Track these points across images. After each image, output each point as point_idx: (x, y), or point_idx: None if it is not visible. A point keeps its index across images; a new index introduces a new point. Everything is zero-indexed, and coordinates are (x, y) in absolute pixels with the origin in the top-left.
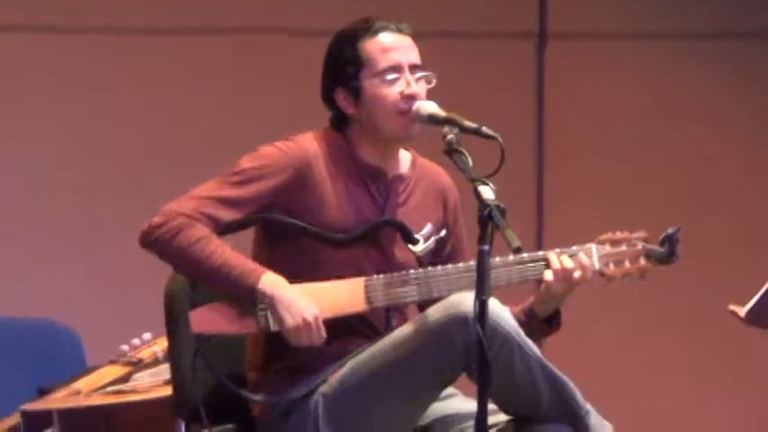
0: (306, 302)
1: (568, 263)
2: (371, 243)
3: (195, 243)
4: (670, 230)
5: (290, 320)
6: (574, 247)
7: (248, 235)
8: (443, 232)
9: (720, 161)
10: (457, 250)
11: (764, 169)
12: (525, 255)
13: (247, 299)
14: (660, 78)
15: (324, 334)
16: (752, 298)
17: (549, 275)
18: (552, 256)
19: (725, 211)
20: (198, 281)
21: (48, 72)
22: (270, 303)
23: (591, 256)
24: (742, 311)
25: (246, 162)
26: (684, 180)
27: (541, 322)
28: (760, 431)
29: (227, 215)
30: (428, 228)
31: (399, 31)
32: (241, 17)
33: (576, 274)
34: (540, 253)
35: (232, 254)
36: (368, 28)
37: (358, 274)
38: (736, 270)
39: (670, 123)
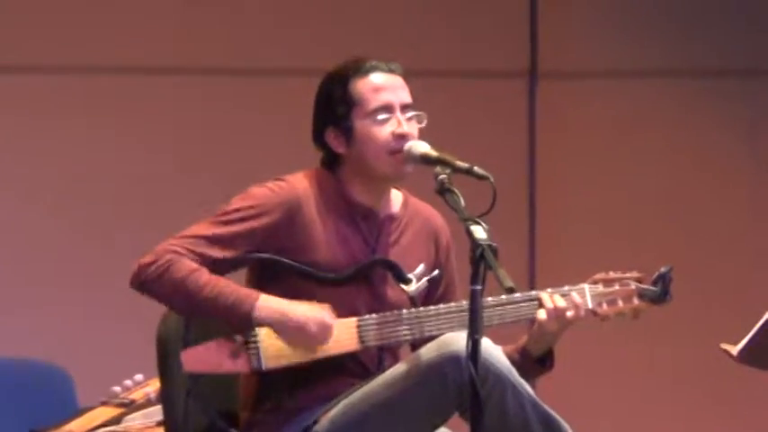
0: (303, 311)
1: (561, 302)
2: (363, 283)
3: (187, 276)
4: (663, 269)
5: (298, 339)
6: (566, 287)
7: (240, 274)
8: (436, 272)
9: (712, 198)
10: (449, 291)
11: (757, 206)
12: (518, 294)
13: (245, 327)
14: (652, 116)
15: (333, 328)
16: (744, 336)
17: (542, 314)
18: (545, 295)
19: (718, 247)
20: (193, 314)
21: (46, 109)
22: (270, 326)
23: (584, 295)
24: (734, 350)
25: (237, 202)
26: (677, 217)
27: (535, 362)
28: None
29: (217, 254)
30: (421, 267)
31: (391, 71)
32: (234, 58)
33: (569, 314)
34: (533, 293)
35: (226, 283)
36: (359, 68)
37: (350, 314)
38: (730, 307)
39: (661, 161)
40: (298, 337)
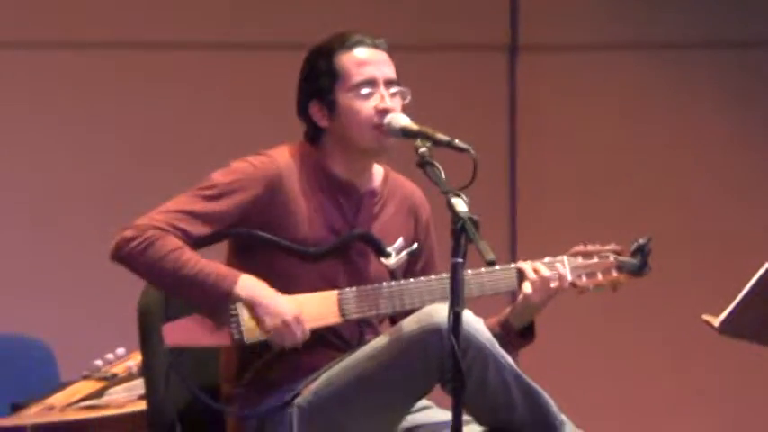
0: (284, 302)
1: (546, 272)
2: (343, 257)
3: (168, 254)
4: (641, 241)
5: (269, 322)
6: (546, 259)
7: (221, 248)
8: (415, 245)
9: (692, 169)
10: (429, 265)
11: (738, 175)
12: (498, 267)
13: (224, 306)
14: (631, 88)
15: (307, 330)
16: (725, 306)
17: (527, 287)
18: (526, 267)
19: (698, 219)
20: (172, 293)
21: (22, 87)
22: (248, 306)
23: (564, 267)
24: (716, 321)
25: (218, 176)
26: (657, 189)
27: (517, 334)
28: None
29: (199, 229)
30: (400, 241)
31: (375, 46)
32: (216, 32)
33: (553, 284)
34: (513, 265)
35: (206, 262)
36: (344, 42)
37: (330, 288)
38: (709, 276)
39: (641, 133)
40: (270, 324)
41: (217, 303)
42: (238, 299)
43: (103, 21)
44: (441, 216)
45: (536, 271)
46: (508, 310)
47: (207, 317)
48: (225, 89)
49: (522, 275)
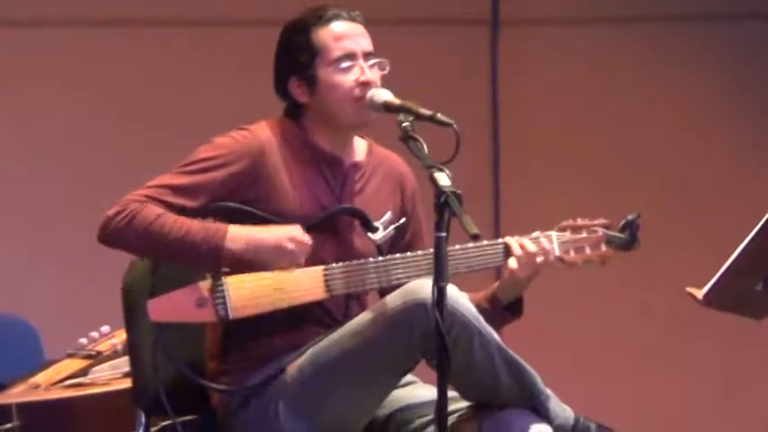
0: (273, 234)
1: (531, 247)
2: (329, 231)
3: (154, 221)
4: (630, 216)
5: (274, 260)
6: (534, 234)
7: None
8: (403, 220)
9: (677, 143)
10: (417, 237)
11: (725, 150)
12: (485, 242)
13: (217, 263)
14: (614, 63)
15: (309, 241)
16: (708, 281)
17: (512, 263)
18: (513, 242)
19: (683, 195)
20: (164, 259)
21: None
22: (246, 255)
23: (551, 242)
24: (700, 294)
25: (201, 152)
26: (641, 163)
27: (505, 309)
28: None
29: (183, 203)
30: (388, 215)
31: (352, 18)
32: (191, 8)
33: (539, 259)
34: (500, 240)
35: (192, 222)
36: (320, 16)
37: (316, 263)
38: (692, 255)
39: (625, 107)
40: (275, 258)
41: (210, 261)
42: (232, 252)
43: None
44: (424, 190)
45: (522, 246)
46: (495, 285)
47: (194, 290)
48: (209, 65)
49: (508, 251)
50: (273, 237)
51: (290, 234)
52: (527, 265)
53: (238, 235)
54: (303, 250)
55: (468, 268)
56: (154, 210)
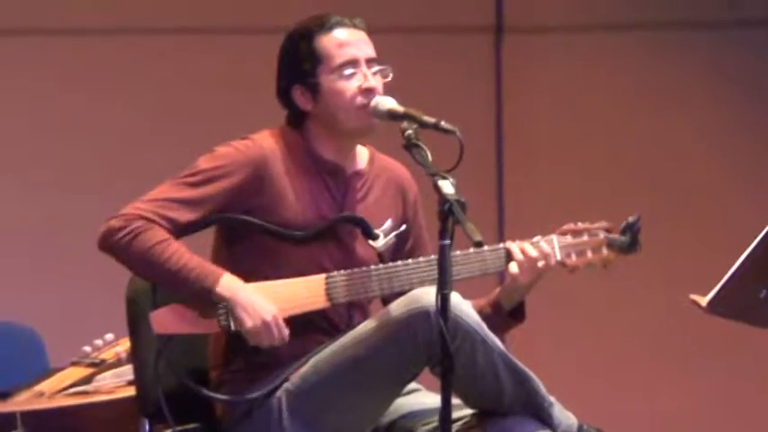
0: (264, 302)
1: (532, 251)
2: (331, 240)
3: (154, 246)
4: (631, 219)
5: (248, 322)
6: (536, 238)
7: (208, 235)
8: (404, 227)
9: (680, 150)
10: (418, 245)
11: (727, 159)
12: (486, 247)
13: (206, 301)
14: (617, 70)
15: (286, 333)
16: (713, 288)
17: (513, 267)
18: (513, 247)
19: (685, 201)
20: (157, 283)
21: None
22: (229, 305)
23: (552, 246)
24: (703, 301)
25: (203, 162)
26: (644, 169)
27: (507, 315)
28: (727, 423)
29: (186, 216)
30: (389, 223)
31: (354, 26)
32: (192, 18)
33: (540, 263)
34: (501, 245)
35: (191, 257)
36: (323, 24)
37: (319, 272)
38: (696, 261)
39: (628, 114)
40: (250, 323)
41: (199, 299)
42: (219, 298)
43: (96, 7)
44: (428, 198)
45: (523, 251)
46: (498, 290)
47: (194, 305)
48: (212, 74)
49: (509, 256)
50: (260, 303)
51: (276, 313)
52: (528, 269)
53: (229, 285)
54: (275, 335)
55: (469, 274)
56: (156, 233)
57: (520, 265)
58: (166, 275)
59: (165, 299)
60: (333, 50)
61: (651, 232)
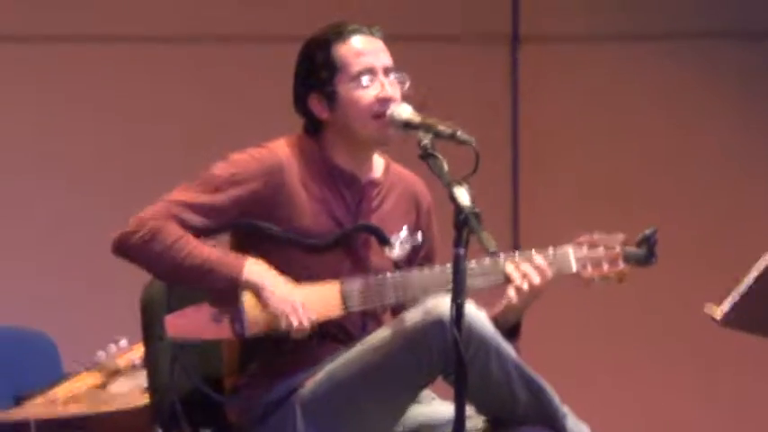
0: (291, 288)
1: (534, 278)
2: (346, 248)
3: (172, 245)
4: (647, 232)
5: (277, 306)
6: (550, 249)
7: (223, 242)
8: (420, 238)
9: (697, 159)
10: (430, 255)
11: (741, 166)
12: (486, 261)
13: (232, 293)
14: (634, 79)
15: (313, 317)
16: (727, 297)
17: (510, 292)
18: (512, 271)
19: (702, 210)
20: (178, 282)
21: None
22: (257, 290)
23: (567, 258)
24: (718, 314)
25: (219, 169)
26: (660, 180)
27: (504, 333)
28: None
29: (198, 221)
30: (404, 232)
31: (371, 34)
32: (210, 24)
33: (536, 280)
34: (501, 257)
35: (211, 249)
36: (340, 33)
37: (334, 280)
38: (714, 268)
39: (645, 124)
40: (281, 305)
41: (224, 291)
42: (247, 284)
43: (107, 15)
44: (443, 207)
45: (525, 275)
46: (495, 309)
47: (213, 304)
48: (226, 82)
49: (507, 278)
50: (286, 292)
51: (302, 300)
52: (524, 292)
53: (255, 271)
54: (305, 322)
55: (471, 287)
56: (173, 231)
57: (517, 290)
58: (189, 270)
59: (180, 304)
60: (350, 59)
61: (666, 242)
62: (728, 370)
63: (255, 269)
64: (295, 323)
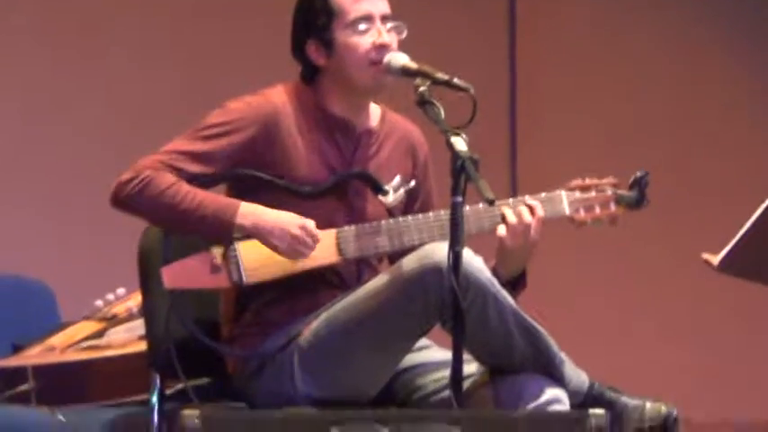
0: (287, 217)
1: (527, 217)
2: (341, 196)
3: (166, 189)
4: (638, 174)
5: (280, 244)
6: (543, 194)
7: (219, 191)
8: (413, 182)
9: (693, 108)
10: (427, 205)
11: (738, 115)
12: (481, 205)
13: (227, 237)
14: (630, 22)
15: (318, 236)
16: (724, 246)
17: (501, 230)
18: (508, 211)
19: (697, 158)
20: (174, 229)
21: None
22: (254, 234)
23: (561, 202)
24: (715, 260)
25: (215, 117)
26: (656, 126)
27: (506, 284)
28: (732, 378)
29: (197, 169)
30: (397, 179)
31: None
32: None
33: (527, 219)
34: (497, 204)
35: (204, 194)
36: None
37: (328, 227)
38: (709, 216)
39: (641, 71)
40: (280, 241)
41: (220, 235)
42: (242, 228)
43: None
44: (440, 154)
45: (517, 213)
46: (494, 260)
47: (207, 255)
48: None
49: (503, 218)
50: (283, 221)
51: (302, 222)
52: (516, 234)
53: (249, 212)
54: (310, 243)
55: (467, 231)
56: (167, 178)
57: (508, 228)
58: (182, 216)
59: (176, 253)
60: (347, 5)
61: (662, 186)
62: (725, 316)
63: (248, 210)
64: (304, 254)
